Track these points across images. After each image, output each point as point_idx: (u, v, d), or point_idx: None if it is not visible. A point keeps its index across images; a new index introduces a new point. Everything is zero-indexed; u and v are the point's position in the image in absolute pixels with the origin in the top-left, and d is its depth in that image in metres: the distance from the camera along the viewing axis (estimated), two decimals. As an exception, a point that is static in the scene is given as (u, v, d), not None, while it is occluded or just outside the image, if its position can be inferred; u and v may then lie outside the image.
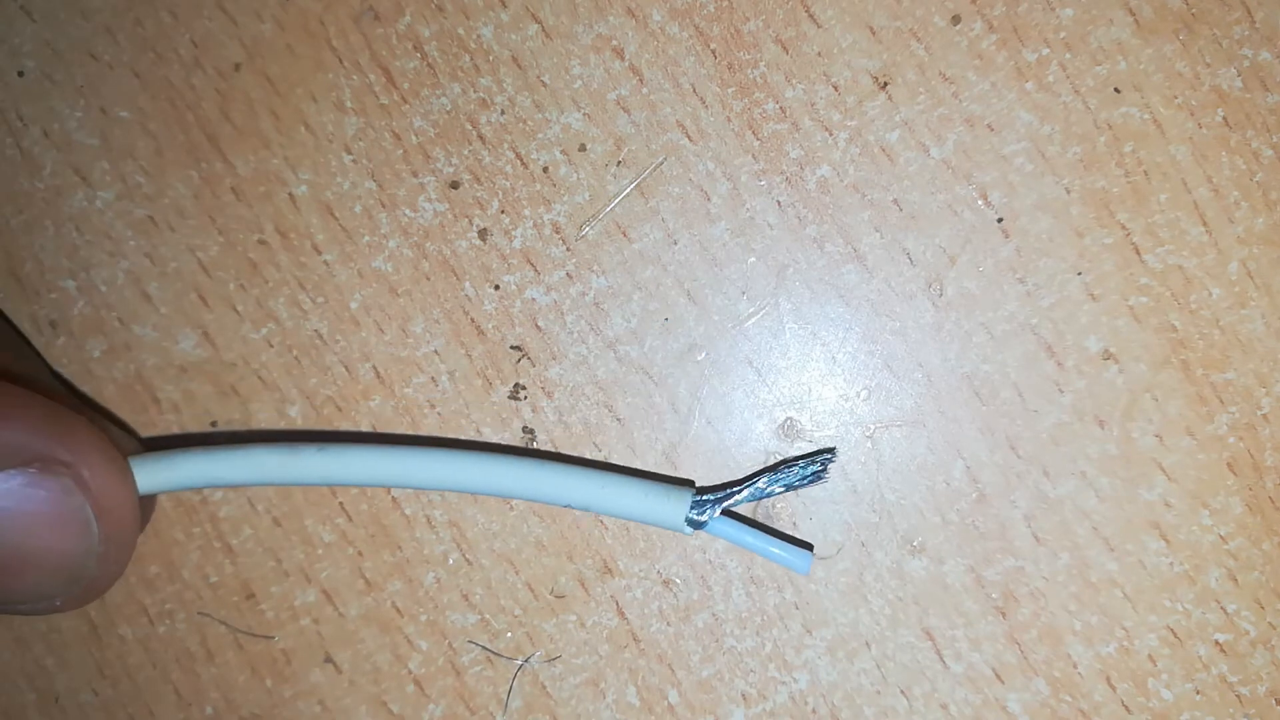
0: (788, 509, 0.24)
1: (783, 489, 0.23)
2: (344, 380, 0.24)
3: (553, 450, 0.24)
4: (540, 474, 0.22)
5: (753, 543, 0.22)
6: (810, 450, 0.24)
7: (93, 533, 0.20)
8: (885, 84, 0.23)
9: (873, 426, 0.24)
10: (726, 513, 0.22)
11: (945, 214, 0.23)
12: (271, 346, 0.25)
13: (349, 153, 0.24)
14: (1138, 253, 0.23)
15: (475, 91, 0.24)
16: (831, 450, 0.23)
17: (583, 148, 0.24)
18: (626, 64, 0.24)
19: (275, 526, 0.25)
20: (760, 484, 0.22)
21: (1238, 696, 0.23)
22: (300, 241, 0.24)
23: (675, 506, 0.22)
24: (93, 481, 0.20)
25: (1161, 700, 0.23)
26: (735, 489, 0.22)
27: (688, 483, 0.24)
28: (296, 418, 0.24)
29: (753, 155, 0.24)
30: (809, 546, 0.24)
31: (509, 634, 0.24)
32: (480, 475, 0.22)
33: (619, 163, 0.24)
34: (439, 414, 0.24)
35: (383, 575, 0.24)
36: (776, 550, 0.22)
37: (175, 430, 0.25)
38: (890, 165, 0.23)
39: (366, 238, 0.24)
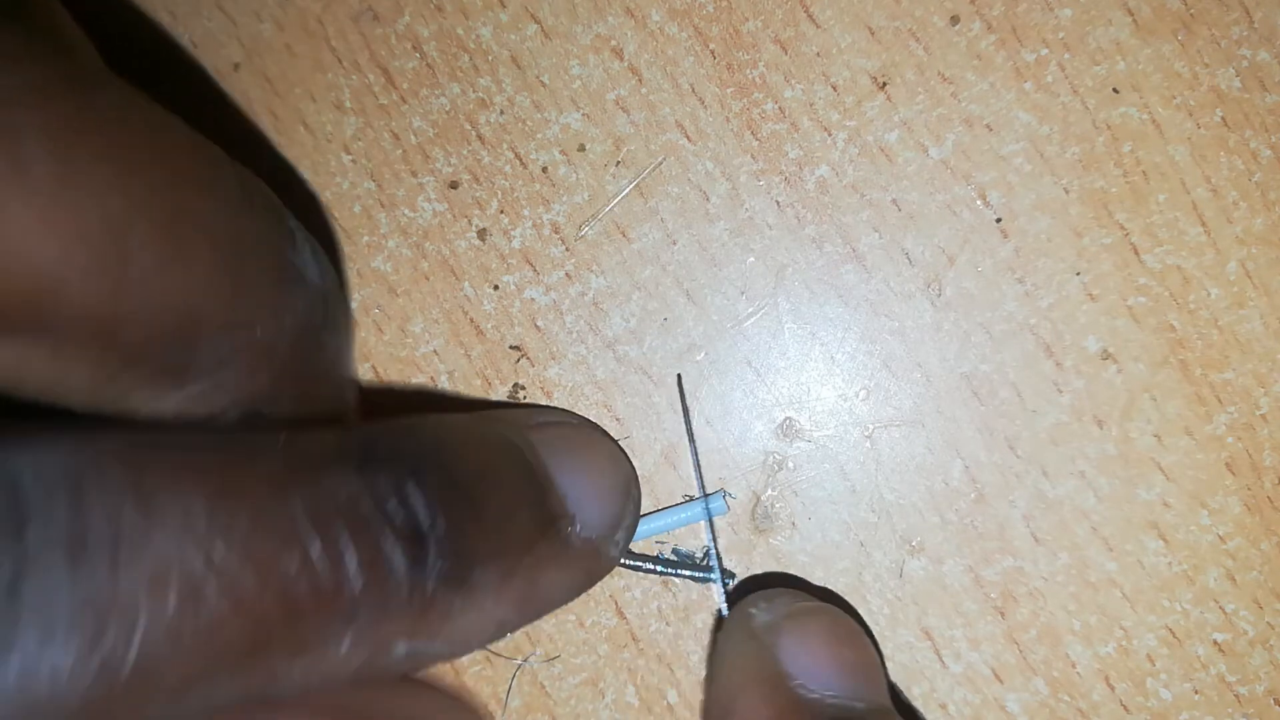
0: (786, 509, 0.24)
1: (673, 572, 0.24)
2: (343, 380, 0.24)
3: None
4: None
5: (669, 523, 0.24)
6: (811, 449, 0.24)
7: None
8: (884, 84, 0.23)
9: (871, 426, 0.24)
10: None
11: (944, 214, 0.23)
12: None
13: (348, 153, 0.24)
14: (1136, 253, 0.23)
15: (474, 91, 0.24)
16: (732, 576, 0.24)
17: (582, 148, 0.24)
18: (625, 64, 0.24)
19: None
20: (666, 558, 0.24)
21: (1236, 696, 0.23)
22: (299, 241, 0.24)
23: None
24: None
25: (1160, 700, 0.23)
26: (645, 559, 0.24)
27: None
28: (295, 418, 0.24)
29: (751, 155, 0.24)
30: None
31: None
32: None
33: (618, 163, 0.24)
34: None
35: (382, 575, 0.24)
36: (688, 513, 0.24)
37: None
38: (889, 165, 0.23)
39: (365, 238, 0.24)
